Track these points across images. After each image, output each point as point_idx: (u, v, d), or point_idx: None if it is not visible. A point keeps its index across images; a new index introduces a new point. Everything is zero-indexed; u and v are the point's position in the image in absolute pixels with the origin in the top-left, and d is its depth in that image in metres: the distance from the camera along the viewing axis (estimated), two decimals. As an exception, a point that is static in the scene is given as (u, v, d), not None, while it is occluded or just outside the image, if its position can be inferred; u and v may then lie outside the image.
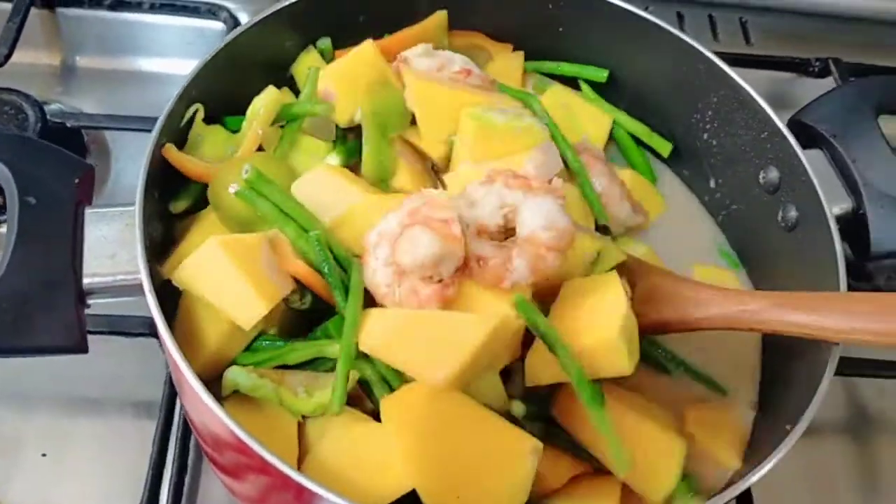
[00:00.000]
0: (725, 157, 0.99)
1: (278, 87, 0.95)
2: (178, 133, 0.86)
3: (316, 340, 0.79)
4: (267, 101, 0.89)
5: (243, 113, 0.94)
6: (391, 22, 1.01)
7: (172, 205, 0.87)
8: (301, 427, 0.77)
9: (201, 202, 0.88)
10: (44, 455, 0.97)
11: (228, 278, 0.74)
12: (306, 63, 0.98)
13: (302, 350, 0.77)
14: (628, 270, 0.87)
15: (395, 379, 0.76)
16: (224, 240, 0.75)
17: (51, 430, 0.99)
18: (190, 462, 0.96)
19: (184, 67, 1.30)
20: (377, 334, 0.73)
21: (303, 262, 0.77)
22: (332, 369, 0.75)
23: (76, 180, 0.77)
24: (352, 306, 0.74)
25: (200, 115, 0.89)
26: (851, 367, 1.04)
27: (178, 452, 0.95)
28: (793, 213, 0.91)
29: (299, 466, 0.75)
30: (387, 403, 0.74)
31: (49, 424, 0.99)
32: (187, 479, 0.95)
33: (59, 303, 0.72)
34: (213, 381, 0.77)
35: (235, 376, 0.74)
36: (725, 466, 0.84)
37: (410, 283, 0.74)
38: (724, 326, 0.81)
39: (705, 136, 1.00)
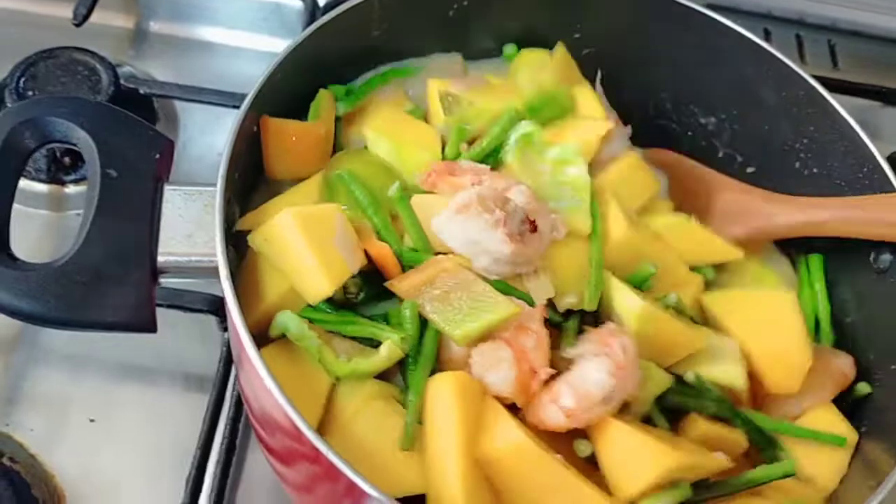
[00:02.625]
0: (816, 189, 0.95)
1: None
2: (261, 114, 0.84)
3: (373, 323, 0.78)
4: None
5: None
6: (483, 18, 0.99)
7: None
8: (332, 391, 0.77)
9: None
10: (92, 420, 0.97)
11: (299, 253, 0.74)
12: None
13: (358, 326, 0.77)
14: (706, 183, 0.97)
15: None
16: (299, 212, 0.75)
17: (100, 395, 0.99)
18: (238, 441, 0.96)
19: (258, 43, 1.30)
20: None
21: (386, 245, 0.78)
22: (378, 345, 0.76)
23: (157, 156, 0.76)
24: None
25: None
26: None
27: (227, 431, 0.94)
28: (886, 256, 0.87)
29: (322, 431, 0.74)
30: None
31: (99, 390, 0.99)
32: (234, 459, 0.95)
33: (133, 279, 0.71)
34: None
35: (287, 320, 0.74)
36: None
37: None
38: (791, 235, 0.93)
39: (797, 164, 0.97)
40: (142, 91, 1.15)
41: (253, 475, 0.95)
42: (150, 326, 0.72)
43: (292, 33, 0.87)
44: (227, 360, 0.97)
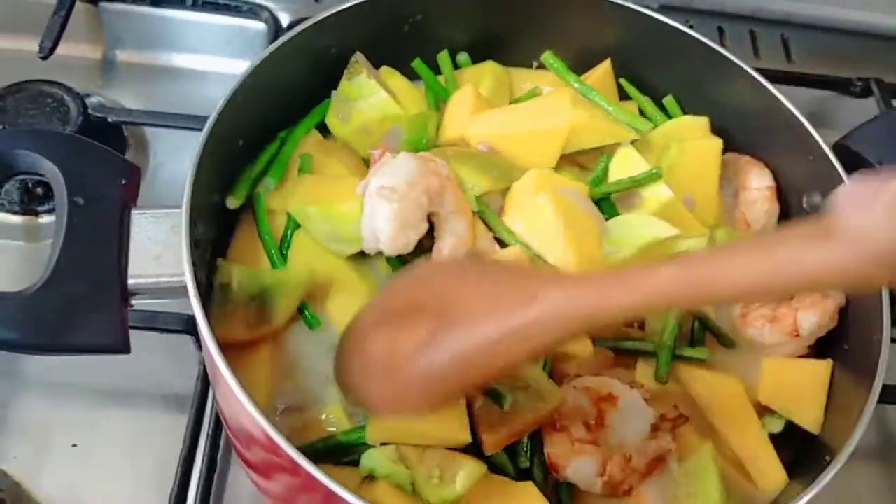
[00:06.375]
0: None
1: (324, 93, 0.96)
2: (225, 135, 0.86)
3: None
4: None
5: (290, 118, 0.96)
6: (437, 32, 1.02)
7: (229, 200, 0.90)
8: None
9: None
10: (74, 446, 0.98)
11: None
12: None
13: None
14: None
15: None
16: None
17: (82, 420, 0.99)
18: (219, 458, 0.97)
19: (223, 66, 1.31)
20: None
21: None
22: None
23: (123, 181, 0.78)
24: None
25: None
26: (886, 395, 1.02)
27: (208, 448, 0.95)
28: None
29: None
30: None
31: (80, 415, 1.00)
32: (216, 476, 0.96)
33: (105, 303, 0.73)
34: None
35: (372, 461, 0.73)
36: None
37: None
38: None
39: (745, 153, 0.99)
40: (110, 119, 1.16)
41: (236, 491, 0.96)
42: (123, 348, 0.73)
43: (257, 54, 0.89)
44: (205, 379, 0.98)
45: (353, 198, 0.86)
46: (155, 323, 0.99)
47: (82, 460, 0.97)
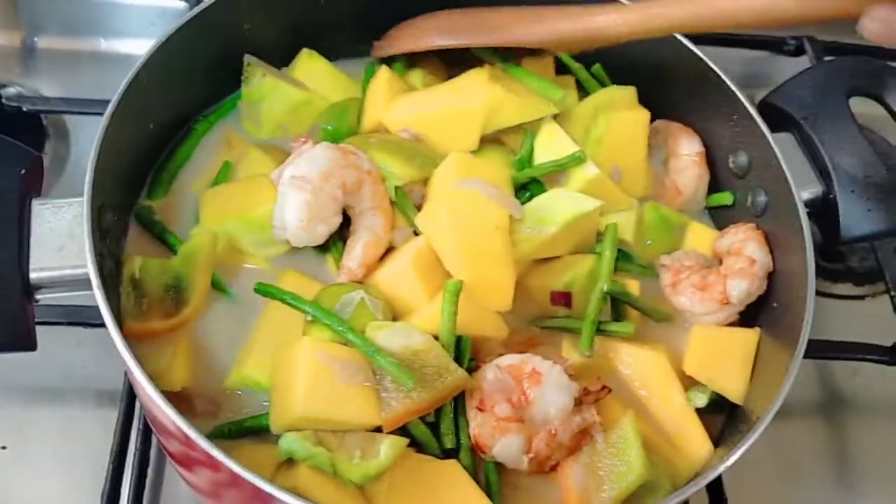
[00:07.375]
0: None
1: (235, 72, 0.93)
2: (132, 118, 0.83)
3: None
4: None
5: (208, 99, 0.94)
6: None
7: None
8: None
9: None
10: (3, 448, 0.95)
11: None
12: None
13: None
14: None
15: None
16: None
17: (10, 422, 0.97)
18: (153, 454, 0.94)
19: (145, 48, 1.27)
20: None
21: None
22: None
23: (22, 171, 0.74)
24: None
25: None
26: (822, 349, 1.03)
27: (139, 444, 0.93)
28: (762, 199, 0.89)
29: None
30: None
31: (8, 416, 0.97)
32: (150, 471, 0.93)
33: (5, 298, 0.70)
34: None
35: (290, 445, 0.70)
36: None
37: None
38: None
39: (673, 117, 0.98)
40: (25, 109, 1.12)
41: (172, 488, 0.94)
42: (27, 345, 0.70)
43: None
44: (133, 372, 0.96)
45: (269, 199, 0.83)
46: (78, 318, 0.95)
47: (13, 462, 0.95)
